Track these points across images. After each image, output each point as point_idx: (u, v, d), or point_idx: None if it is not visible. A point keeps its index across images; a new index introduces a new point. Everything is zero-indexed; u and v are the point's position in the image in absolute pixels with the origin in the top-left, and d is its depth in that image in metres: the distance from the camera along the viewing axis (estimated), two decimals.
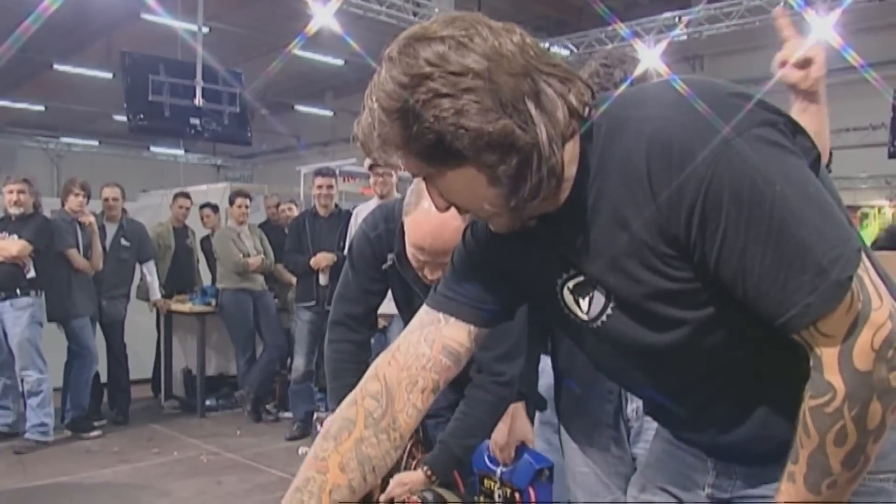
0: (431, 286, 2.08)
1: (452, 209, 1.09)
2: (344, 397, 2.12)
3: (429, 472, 2.05)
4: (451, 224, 1.83)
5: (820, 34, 8.68)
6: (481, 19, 1.00)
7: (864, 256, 0.92)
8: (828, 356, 0.91)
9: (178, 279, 6.64)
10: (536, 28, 15.09)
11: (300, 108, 21.06)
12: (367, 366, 2.23)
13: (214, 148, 19.96)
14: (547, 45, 14.11)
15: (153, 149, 19.79)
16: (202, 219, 6.83)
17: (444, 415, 2.45)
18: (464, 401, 2.15)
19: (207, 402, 6.22)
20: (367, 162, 5.00)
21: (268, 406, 6.13)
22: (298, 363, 5.47)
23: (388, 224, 2.16)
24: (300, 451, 5.10)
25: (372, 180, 4.87)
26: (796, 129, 0.99)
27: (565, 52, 14.12)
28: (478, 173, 0.99)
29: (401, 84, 0.96)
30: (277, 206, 7.15)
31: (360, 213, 5.05)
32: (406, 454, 2.18)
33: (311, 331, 5.43)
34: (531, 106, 0.97)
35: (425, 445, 2.32)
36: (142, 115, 7.58)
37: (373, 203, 5.01)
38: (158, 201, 7.97)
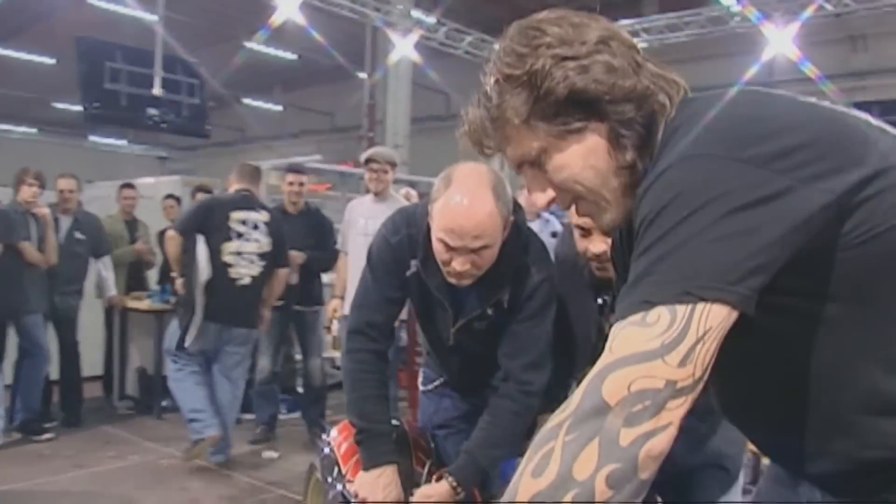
0: (452, 295, 2.03)
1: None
2: (365, 410, 2.05)
3: (454, 484, 1.97)
4: (483, 207, 1.82)
5: (778, 47, 8.89)
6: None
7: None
8: None
9: (130, 275, 6.42)
10: (488, 29, 15.11)
11: (247, 101, 20.71)
12: (386, 377, 2.16)
13: (157, 139, 19.48)
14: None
15: (92, 138, 19.16)
16: (165, 210, 6.58)
17: (455, 425, 2.38)
18: (488, 410, 2.08)
19: (163, 403, 5.98)
20: (364, 156, 4.87)
21: None
22: (263, 364, 5.29)
23: (410, 229, 2.07)
24: (264, 455, 4.95)
25: (367, 176, 4.74)
26: None
27: None
28: (603, 137, 1.02)
29: (522, 54, 1.01)
30: None
31: (354, 209, 4.90)
32: (426, 473, 2.10)
33: (280, 331, 5.27)
34: (647, 77, 1.03)
35: (437, 456, 2.24)
36: (97, 104, 7.27)
37: (367, 199, 4.89)
38: (107, 192, 7.65)
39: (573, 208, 1.95)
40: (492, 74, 1.04)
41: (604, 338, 2.29)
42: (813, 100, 1.00)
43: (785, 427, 1.07)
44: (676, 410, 0.83)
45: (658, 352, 0.83)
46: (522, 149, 1.05)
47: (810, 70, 8.17)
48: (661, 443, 0.82)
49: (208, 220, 4.50)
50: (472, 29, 12.93)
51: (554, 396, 2.15)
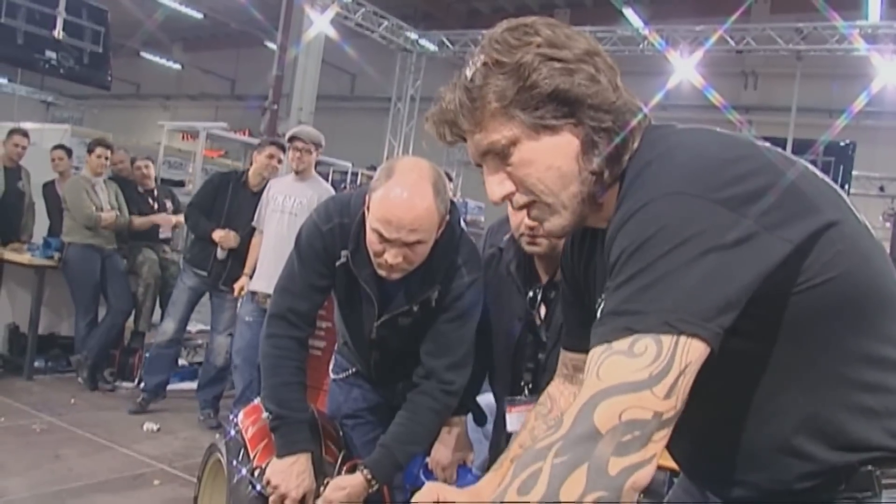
0: (380, 288, 2.02)
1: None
2: (283, 396, 2.02)
3: (369, 476, 1.97)
4: (422, 202, 1.84)
5: (682, 73, 9.27)
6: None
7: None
8: None
9: (5, 226, 6.02)
10: (404, 16, 15.05)
11: (146, 55, 19.88)
12: (305, 364, 2.13)
13: (43, 81, 18.36)
14: (415, 36, 14.14)
15: None
16: (53, 160, 6.19)
17: (363, 416, 2.38)
18: (407, 406, 2.09)
19: (35, 364, 5.68)
20: (289, 134, 4.72)
21: (105, 373, 5.69)
22: (168, 326, 5.05)
23: (343, 218, 2.05)
24: (145, 428, 4.76)
25: (290, 155, 4.58)
26: None
27: (433, 48, 14.20)
28: (576, 137, 1.04)
29: (513, 45, 1.04)
30: (133, 161, 6.61)
31: (273, 187, 4.69)
32: (339, 464, 2.09)
33: (191, 299, 5.05)
34: (622, 99, 1.07)
35: (345, 446, 2.23)
36: None
37: (288, 177, 4.72)
38: None
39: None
40: (479, 58, 1.06)
41: (534, 331, 2.26)
42: (767, 144, 1.05)
43: (711, 454, 1.15)
44: (660, 442, 0.87)
45: (647, 383, 0.86)
46: (492, 136, 1.05)
47: (715, 98, 8.55)
48: (646, 476, 0.86)
49: None
50: (387, 13, 12.87)
51: (465, 397, 2.18)
